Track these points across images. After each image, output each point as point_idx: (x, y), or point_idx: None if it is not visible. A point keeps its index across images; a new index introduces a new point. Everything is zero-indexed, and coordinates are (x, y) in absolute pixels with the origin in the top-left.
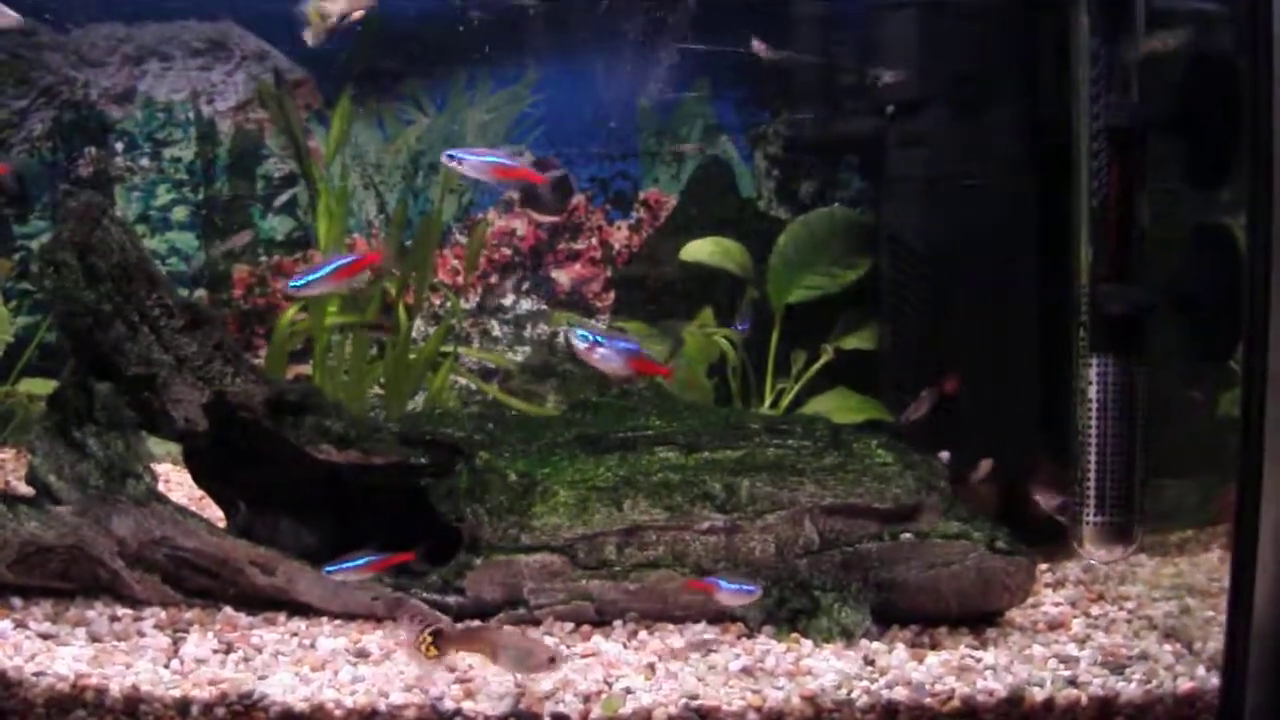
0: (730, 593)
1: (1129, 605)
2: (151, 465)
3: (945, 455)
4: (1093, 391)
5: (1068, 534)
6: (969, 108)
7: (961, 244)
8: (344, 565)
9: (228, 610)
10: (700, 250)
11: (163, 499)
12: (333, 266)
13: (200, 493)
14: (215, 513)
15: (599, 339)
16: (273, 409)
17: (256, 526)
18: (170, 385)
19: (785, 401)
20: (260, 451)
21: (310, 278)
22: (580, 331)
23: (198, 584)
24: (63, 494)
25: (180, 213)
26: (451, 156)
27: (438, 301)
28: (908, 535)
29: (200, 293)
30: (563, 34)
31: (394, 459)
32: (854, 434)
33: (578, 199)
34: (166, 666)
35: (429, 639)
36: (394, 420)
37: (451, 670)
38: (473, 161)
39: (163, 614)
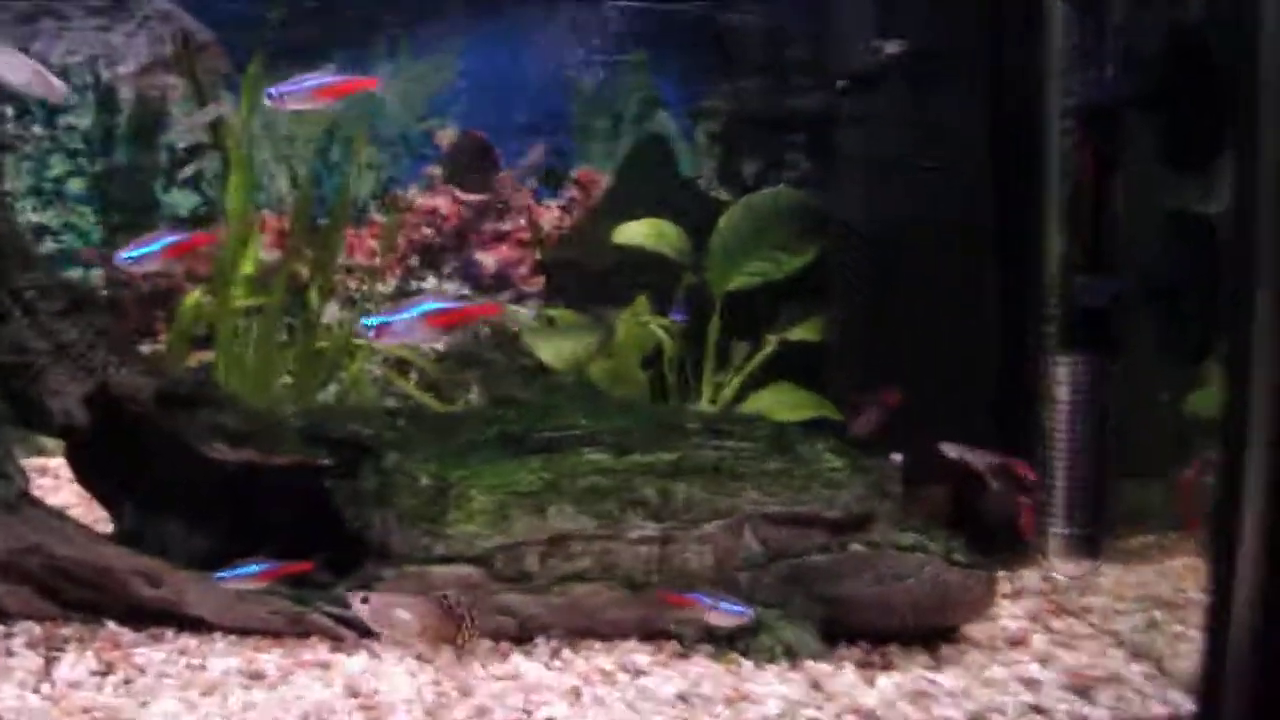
0: (720, 613)
1: (1092, 619)
2: (24, 463)
3: (897, 458)
4: (1063, 393)
5: (1023, 538)
6: (927, 82)
7: (917, 230)
8: (236, 572)
9: (110, 626)
10: (634, 233)
11: (35, 502)
12: (166, 242)
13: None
14: (102, 515)
15: (385, 319)
16: (162, 402)
17: (145, 530)
18: (47, 375)
19: (725, 396)
20: (149, 449)
21: (140, 251)
22: (364, 322)
23: (76, 597)
24: None
25: (76, 185)
26: (272, 95)
27: (354, 285)
28: (858, 546)
29: (97, 273)
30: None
31: (295, 459)
32: (800, 435)
33: (504, 176)
34: (36, 691)
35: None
36: (299, 415)
37: (355, 695)
38: (295, 91)
39: (36, 630)
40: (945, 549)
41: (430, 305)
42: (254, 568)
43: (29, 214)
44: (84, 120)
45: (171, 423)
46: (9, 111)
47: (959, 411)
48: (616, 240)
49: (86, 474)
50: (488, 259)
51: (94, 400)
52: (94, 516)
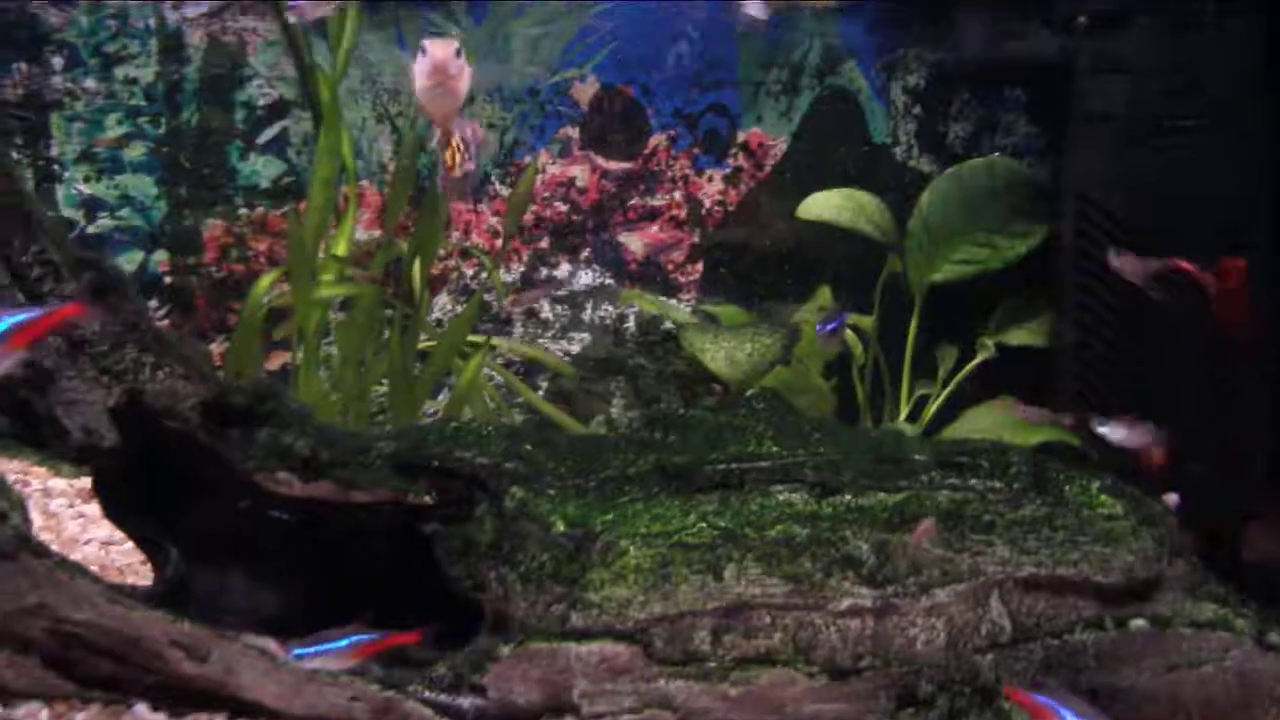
0: None
1: None
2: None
3: (1173, 499)
4: None
5: None
6: (1193, 20)
7: (1178, 207)
8: (320, 649)
9: (139, 710)
10: (825, 205)
11: (40, 550)
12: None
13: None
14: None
15: None
16: (211, 417)
17: (196, 583)
18: (59, 380)
19: (929, 412)
20: (198, 478)
21: None
22: None
23: (97, 671)
24: None
25: (136, 150)
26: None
27: (470, 272)
28: (1141, 622)
29: (160, 255)
30: None
31: (385, 495)
32: (1065, 471)
33: (656, 140)
34: None
35: None
36: (392, 436)
37: None
38: None
39: (44, 712)
40: (1257, 628)
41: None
42: (343, 641)
43: (79, 185)
44: (145, 72)
45: (222, 445)
46: (57, 62)
47: (1224, 433)
48: (801, 214)
49: (118, 509)
50: (635, 241)
51: (123, 414)
52: (131, 564)
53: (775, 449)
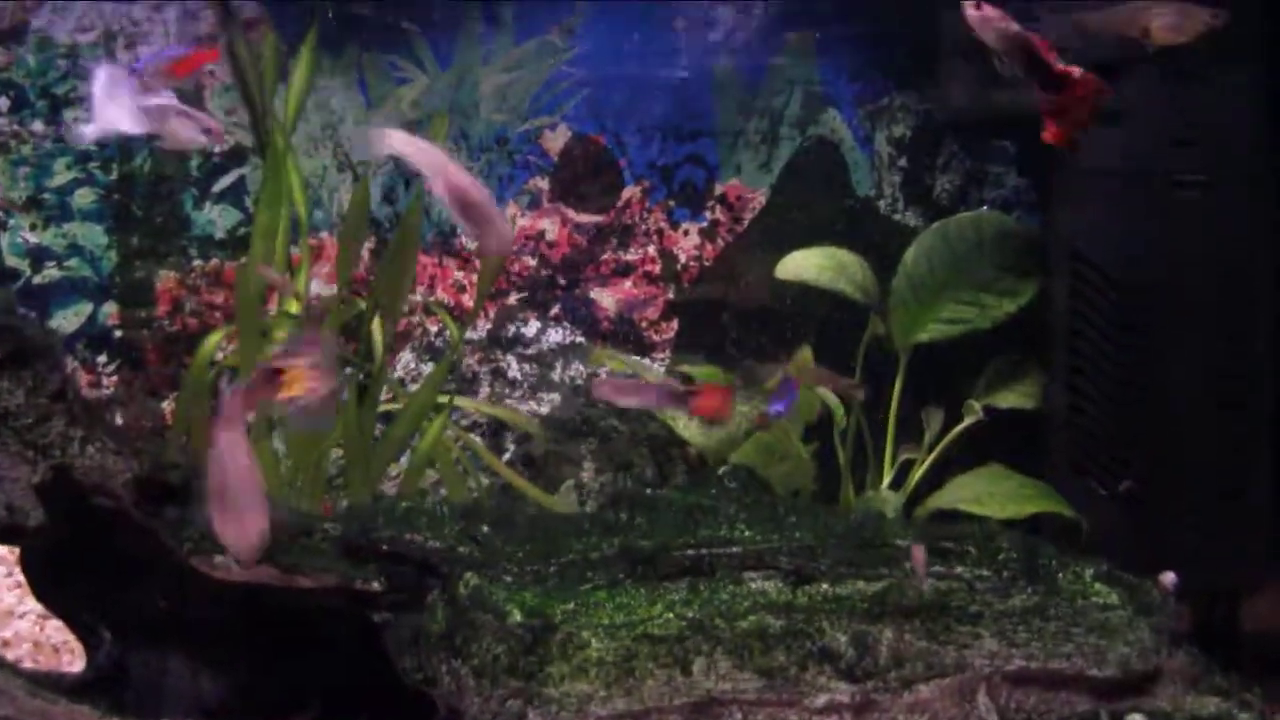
0: None
1: None
2: None
3: (1170, 578)
4: None
5: None
6: (1190, 71)
7: (1178, 265)
8: None
9: None
10: (805, 265)
11: None
12: None
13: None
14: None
15: None
16: (145, 495)
17: (132, 667)
18: None
19: (913, 479)
20: (133, 559)
21: None
22: None
23: None
24: None
25: (85, 197)
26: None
27: (434, 329)
28: (1138, 717)
29: (110, 308)
30: None
31: (330, 581)
32: (1057, 555)
33: (630, 192)
34: None
35: None
36: (340, 517)
37: None
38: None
39: None
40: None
41: None
42: None
43: (24, 233)
44: None
45: (157, 525)
46: (2, 104)
47: (1226, 500)
48: (781, 274)
49: (48, 590)
50: (607, 297)
51: (49, 490)
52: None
53: (748, 533)
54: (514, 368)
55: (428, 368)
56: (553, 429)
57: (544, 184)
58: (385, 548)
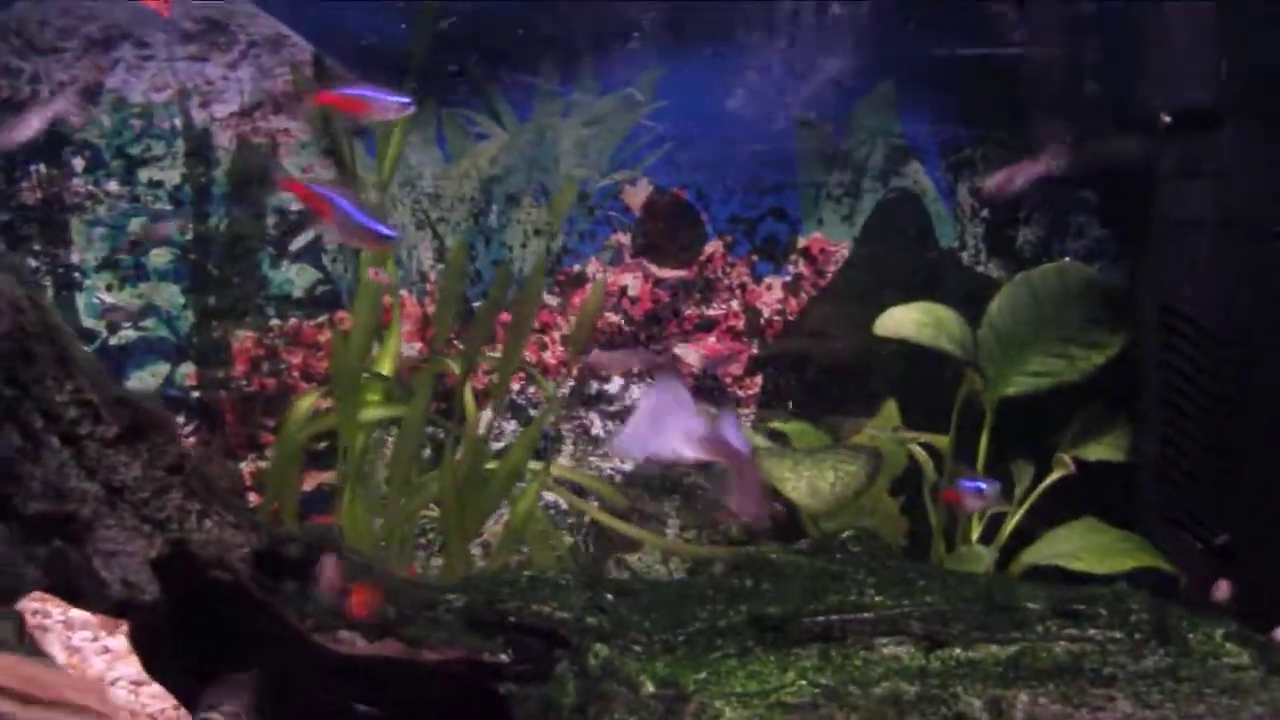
0: None
1: None
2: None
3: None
4: None
5: None
6: None
7: (1273, 317)
8: None
9: None
10: (904, 321)
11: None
12: None
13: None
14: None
15: None
16: (265, 569)
17: None
18: (97, 530)
19: (1004, 533)
20: (248, 633)
21: None
22: None
23: None
24: None
25: (161, 257)
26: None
27: (516, 386)
28: None
29: (187, 368)
30: (694, 20)
31: (455, 654)
32: (1189, 618)
33: (712, 246)
34: None
35: None
36: (462, 588)
37: None
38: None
39: None
40: None
41: None
42: None
43: (100, 293)
44: (171, 174)
45: (277, 599)
46: (78, 164)
47: None
48: (880, 331)
49: (158, 664)
50: (690, 353)
51: (166, 565)
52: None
53: (879, 598)
54: (597, 425)
55: (510, 425)
56: (636, 487)
57: (626, 239)
58: (512, 619)
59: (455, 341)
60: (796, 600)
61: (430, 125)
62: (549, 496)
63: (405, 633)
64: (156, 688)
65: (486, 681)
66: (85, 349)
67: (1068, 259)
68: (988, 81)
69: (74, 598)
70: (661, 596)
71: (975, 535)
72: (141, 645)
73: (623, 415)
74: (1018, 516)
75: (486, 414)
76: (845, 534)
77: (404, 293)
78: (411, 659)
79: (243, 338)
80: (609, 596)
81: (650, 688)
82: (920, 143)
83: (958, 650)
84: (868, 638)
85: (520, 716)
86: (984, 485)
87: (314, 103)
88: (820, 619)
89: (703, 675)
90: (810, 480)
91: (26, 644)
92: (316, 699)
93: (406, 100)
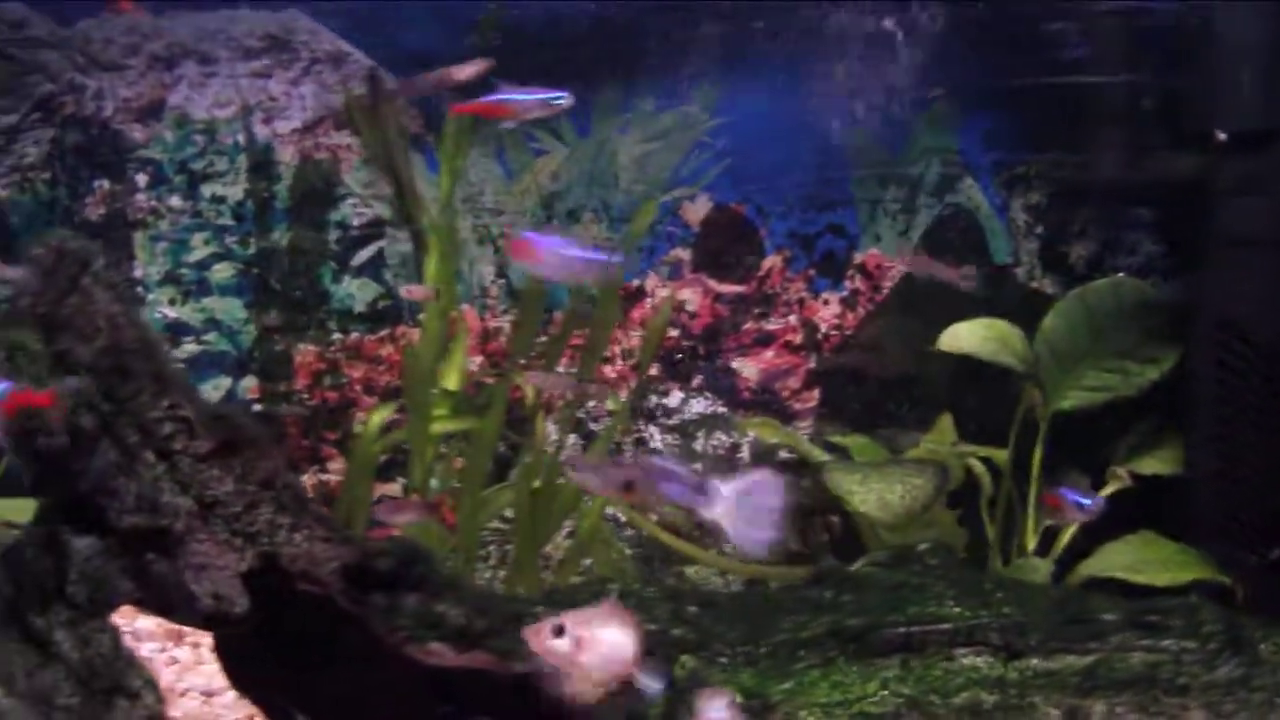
0: None
1: None
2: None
3: None
4: None
5: None
6: None
7: None
8: None
9: None
10: (968, 337)
11: None
12: None
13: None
14: None
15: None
16: (354, 582)
17: None
18: (189, 544)
19: (1059, 546)
20: (334, 646)
21: None
22: None
23: None
24: (13, 718)
25: (224, 271)
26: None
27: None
28: None
29: (249, 382)
30: (753, 36)
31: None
32: (1261, 628)
33: (771, 262)
34: None
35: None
36: (546, 599)
37: None
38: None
39: None
40: None
41: None
42: None
43: (163, 308)
44: (233, 190)
45: (366, 611)
46: (141, 180)
47: None
48: (944, 346)
49: (243, 676)
50: (748, 367)
51: (256, 579)
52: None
53: (957, 610)
54: (656, 438)
55: (571, 440)
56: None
57: (685, 254)
58: None
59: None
60: (877, 612)
61: (491, 142)
62: (607, 509)
63: (494, 644)
64: (228, 698)
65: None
66: (176, 365)
67: (1121, 275)
68: (1043, 99)
69: (165, 611)
70: (743, 608)
71: (1031, 547)
72: (226, 657)
73: (681, 429)
74: (1073, 529)
75: (550, 427)
76: (922, 547)
77: (465, 307)
78: (500, 670)
79: (304, 351)
80: (692, 609)
81: (737, 697)
82: (975, 160)
83: (1035, 660)
84: (947, 648)
85: None
86: (1088, 501)
87: (454, 113)
88: (901, 630)
89: (788, 685)
90: (879, 493)
91: (124, 656)
92: (401, 712)
93: (559, 94)
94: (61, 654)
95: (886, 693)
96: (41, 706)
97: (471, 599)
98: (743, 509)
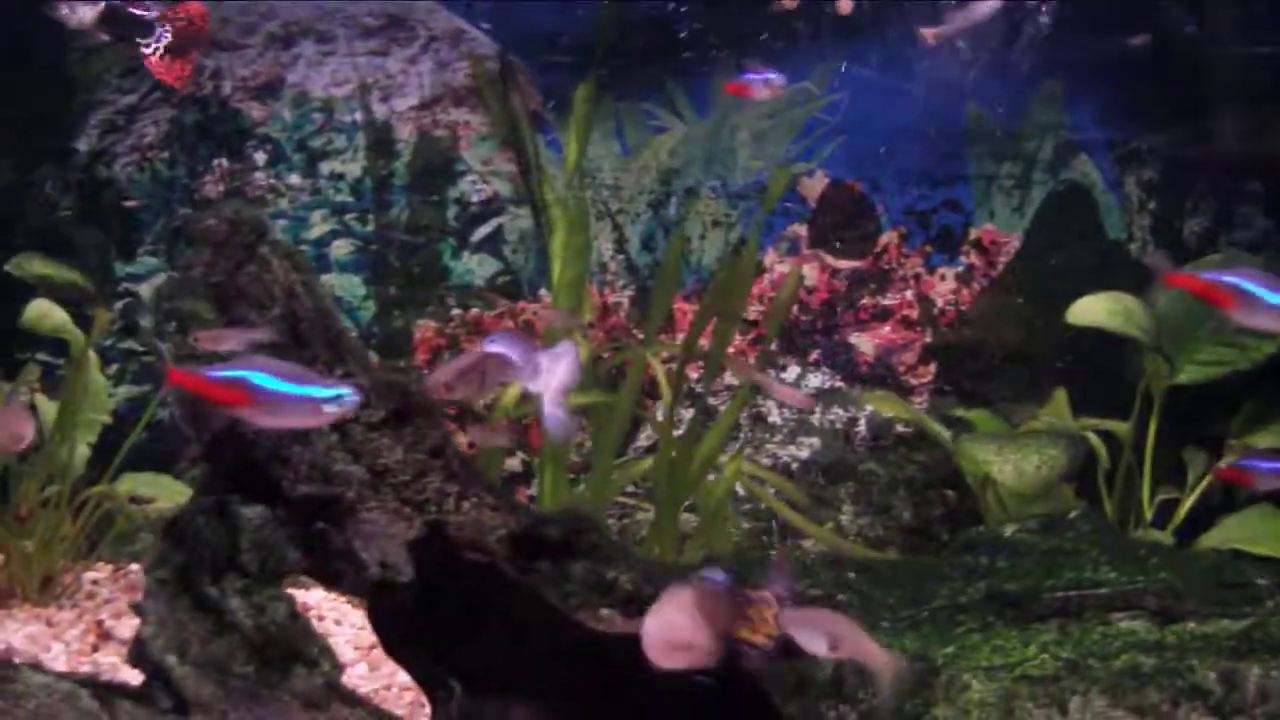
0: None
1: None
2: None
3: None
4: None
5: None
6: None
7: None
8: None
9: None
10: (1096, 310)
11: (351, 698)
12: None
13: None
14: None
15: None
16: (521, 550)
17: (476, 718)
18: (359, 513)
19: (1177, 519)
20: (496, 614)
21: None
22: None
23: None
24: (188, 685)
25: (342, 248)
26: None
27: (695, 375)
28: None
29: (369, 358)
30: (869, 13)
31: None
32: None
33: (887, 238)
34: None
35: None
36: (709, 565)
37: None
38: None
39: None
40: None
41: None
42: None
43: None
44: (352, 167)
45: (534, 579)
46: (260, 158)
47: None
48: (1072, 319)
49: (399, 645)
50: (865, 342)
51: (422, 547)
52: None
53: (1113, 575)
54: (774, 413)
55: (687, 414)
56: (812, 473)
57: (802, 230)
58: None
59: (635, 331)
60: (1033, 577)
61: (609, 119)
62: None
63: None
64: (361, 669)
65: (740, 658)
66: (352, 333)
67: (1232, 250)
68: (1157, 76)
69: (331, 581)
70: (901, 574)
71: (1148, 517)
72: (383, 627)
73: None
74: (1190, 502)
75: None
76: (1073, 513)
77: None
78: None
79: (423, 327)
80: (851, 574)
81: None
82: (1089, 135)
83: (1191, 625)
84: (1104, 613)
85: (776, 691)
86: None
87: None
88: (1059, 595)
89: (950, 649)
90: (1015, 463)
91: (301, 623)
92: (561, 680)
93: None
94: (236, 622)
95: (1046, 656)
96: (216, 674)
97: (641, 566)
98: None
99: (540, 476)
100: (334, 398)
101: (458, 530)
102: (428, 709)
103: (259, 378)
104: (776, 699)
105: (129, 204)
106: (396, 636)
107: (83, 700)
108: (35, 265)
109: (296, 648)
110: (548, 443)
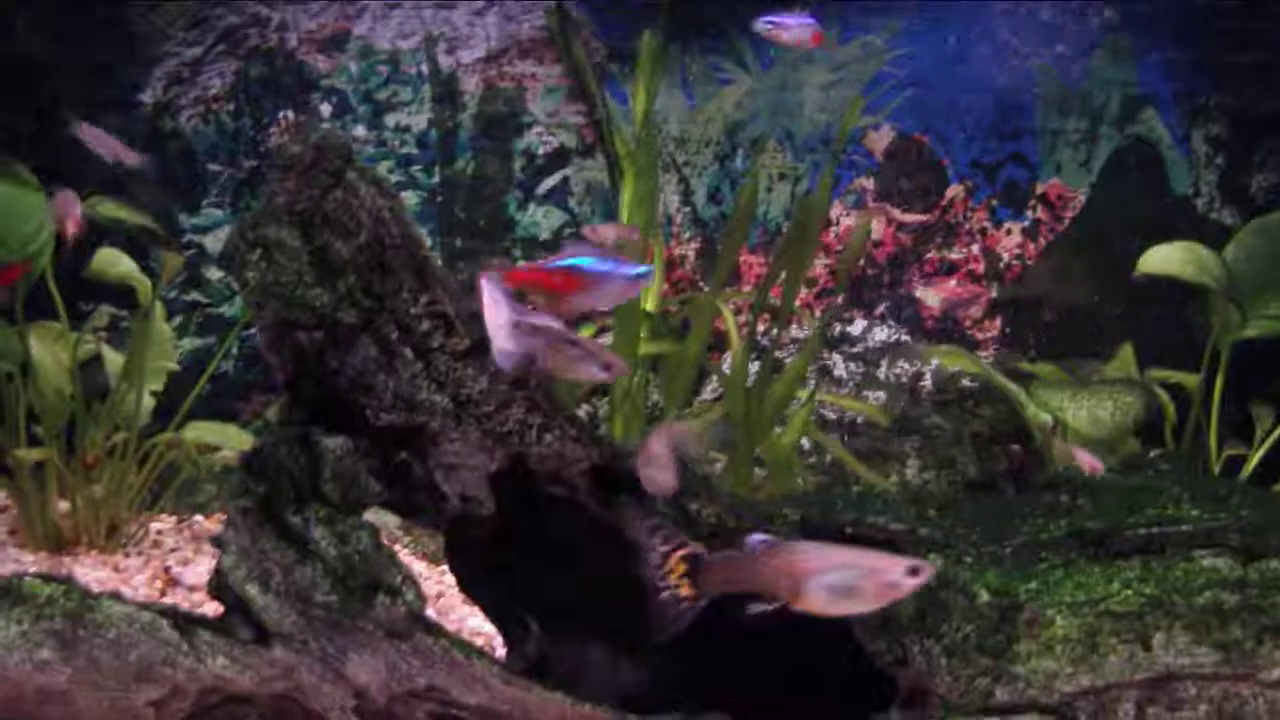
0: None
1: None
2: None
3: None
4: None
5: None
6: None
7: None
8: None
9: None
10: (1169, 259)
11: (433, 627)
12: None
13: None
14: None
15: None
16: (603, 484)
17: (553, 658)
18: (442, 444)
19: (1246, 473)
20: (574, 548)
21: None
22: None
23: None
24: (270, 615)
25: (409, 200)
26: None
27: (761, 327)
28: None
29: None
30: None
31: None
32: None
33: (953, 191)
34: None
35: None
36: (795, 502)
37: None
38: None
39: None
40: None
41: None
42: None
43: None
44: (418, 120)
45: (615, 513)
46: (325, 109)
47: None
48: (1145, 268)
49: (474, 580)
50: (931, 296)
51: (504, 479)
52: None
53: (1195, 512)
54: (840, 366)
55: (754, 366)
56: (876, 427)
57: (869, 184)
58: (849, 530)
59: (700, 283)
60: (1116, 514)
61: (675, 71)
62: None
63: None
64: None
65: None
66: (438, 262)
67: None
68: (1226, 30)
69: (410, 513)
70: (982, 511)
71: (1216, 472)
72: (460, 559)
73: (864, 356)
74: (1258, 456)
75: (731, 352)
76: (1154, 453)
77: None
78: None
79: None
80: (932, 511)
81: (985, 596)
82: (1157, 90)
83: (1274, 562)
84: (1186, 550)
85: (860, 627)
86: None
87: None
88: (1142, 532)
89: (1033, 585)
90: (1090, 409)
91: (385, 553)
92: (638, 615)
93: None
94: (319, 551)
95: (1130, 592)
96: (299, 604)
97: (724, 499)
98: None
99: (610, 424)
100: (647, 273)
101: (539, 463)
102: (500, 653)
103: (587, 262)
104: (862, 636)
105: (212, 167)
106: (473, 573)
107: (163, 630)
108: (108, 208)
109: (380, 577)
110: (618, 388)
